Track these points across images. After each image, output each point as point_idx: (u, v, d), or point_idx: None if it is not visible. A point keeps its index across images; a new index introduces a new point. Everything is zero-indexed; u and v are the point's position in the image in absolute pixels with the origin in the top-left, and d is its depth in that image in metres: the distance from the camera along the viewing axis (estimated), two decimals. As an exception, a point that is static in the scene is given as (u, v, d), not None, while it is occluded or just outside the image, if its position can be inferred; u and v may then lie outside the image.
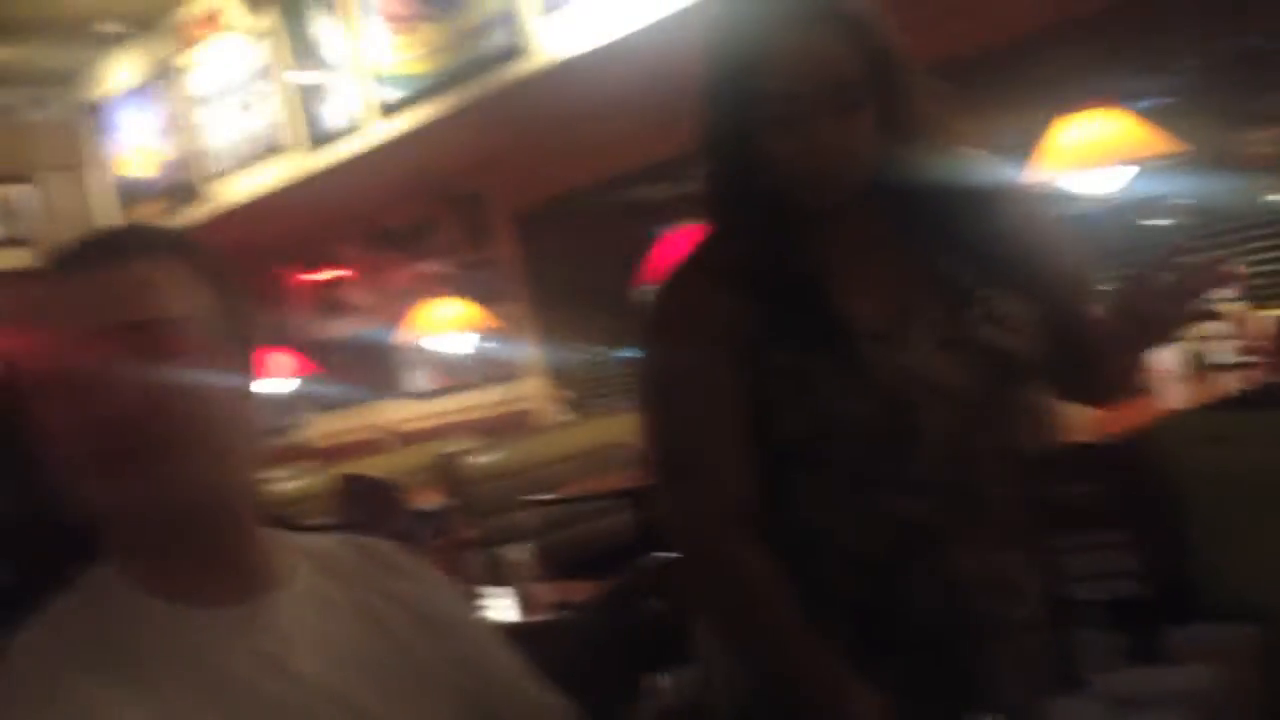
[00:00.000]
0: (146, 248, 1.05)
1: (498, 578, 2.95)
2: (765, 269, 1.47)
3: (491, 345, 6.38)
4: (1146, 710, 0.82)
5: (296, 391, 6.89)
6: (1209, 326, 4.06)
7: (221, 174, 6.58)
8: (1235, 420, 0.94)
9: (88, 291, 1.02)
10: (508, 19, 4.75)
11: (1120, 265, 4.42)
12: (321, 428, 7.50)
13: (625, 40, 4.33)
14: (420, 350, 6.11)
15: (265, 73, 6.14)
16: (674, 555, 1.57)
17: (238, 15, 6.19)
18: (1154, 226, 4.54)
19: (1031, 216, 1.56)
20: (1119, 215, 4.35)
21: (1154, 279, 1.42)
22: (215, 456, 1.02)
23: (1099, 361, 1.54)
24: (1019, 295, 1.47)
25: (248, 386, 1.07)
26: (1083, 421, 3.59)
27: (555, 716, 1.21)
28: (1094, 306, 1.49)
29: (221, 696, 1.01)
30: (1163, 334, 1.48)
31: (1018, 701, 1.34)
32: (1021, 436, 1.47)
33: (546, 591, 2.86)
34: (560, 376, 6.54)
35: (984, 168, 1.53)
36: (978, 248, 1.47)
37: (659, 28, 4.26)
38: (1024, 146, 4.02)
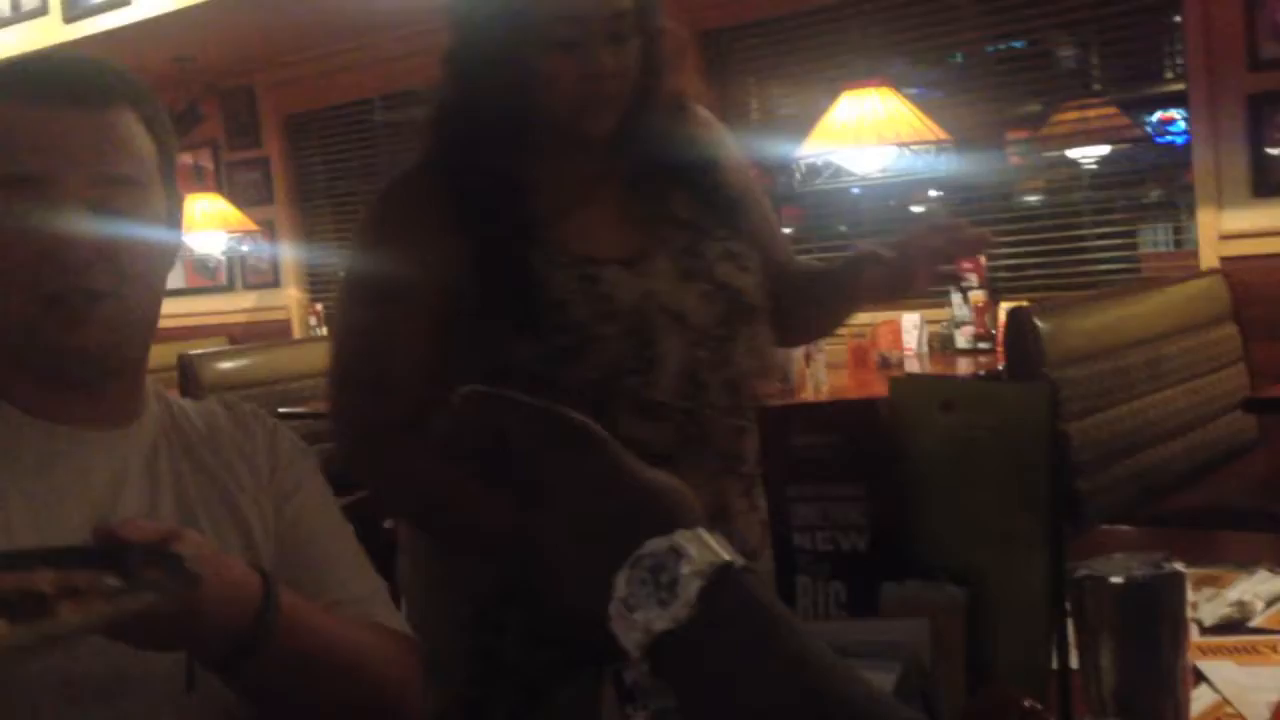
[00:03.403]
0: (111, 93, 1.08)
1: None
2: (500, 186, 1.47)
3: (248, 249, 6.13)
4: (859, 658, 0.85)
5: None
6: (954, 311, 4.29)
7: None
8: (965, 388, 0.98)
9: (74, 132, 1.05)
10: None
11: (878, 239, 4.64)
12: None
13: (420, -49, 4.19)
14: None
15: (24, -72, 5.67)
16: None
17: None
18: (912, 209, 4.74)
19: (748, 178, 1.68)
20: (881, 194, 4.52)
21: (921, 233, 1.50)
22: (150, 303, 1.11)
23: (810, 307, 1.67)
24: (747, 239, 1.56)
25: (175, 235, 1.15)
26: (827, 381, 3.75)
27: (369, 605, 1.16)
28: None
29: (49, 508, 1.05)
30: (908, 285, 1.54)
31: None
32: (748, 373, 1.52)
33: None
34: (317, 289, 6.35)
35: (712, 126, 1.64)
36: (709, 193, 1.55)
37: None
38: (806, 118, 4.12)
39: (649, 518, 0.63)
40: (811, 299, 1.66)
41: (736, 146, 1.67)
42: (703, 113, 1.64)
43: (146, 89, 1.13)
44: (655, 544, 0.61)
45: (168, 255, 1.14)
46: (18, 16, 5.74)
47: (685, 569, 0.60)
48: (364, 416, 1.49)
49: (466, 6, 1.49)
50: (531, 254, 1.44)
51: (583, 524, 0.65)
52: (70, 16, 5.48)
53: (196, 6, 4.95)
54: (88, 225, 1.03)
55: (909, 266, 1.49)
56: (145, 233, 1.08)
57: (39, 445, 1.08)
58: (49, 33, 5.50)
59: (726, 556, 0.61)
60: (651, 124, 1.53)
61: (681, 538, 0.61)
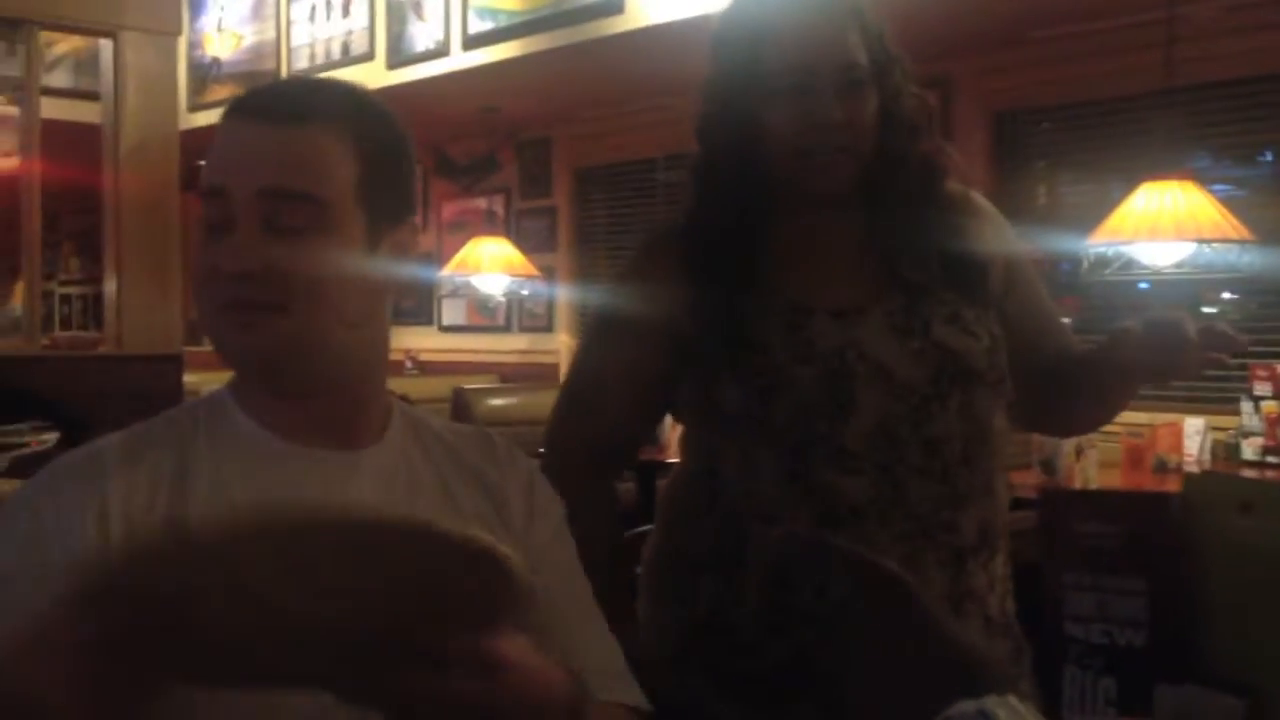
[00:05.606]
0: (313, 111, 1.08)
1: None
2: (730, 240, 1.52)
3: (528, 293, 6.39)
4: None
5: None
6: (1243, 420, 4.05)
7: (296, 71, 6.57)
8: (1268, 491, 0.94)
9: (255, 146, 1.06)
10: (611, -26, 4.74)
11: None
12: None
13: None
14: (457, 283, 6.12)
15: (362, -20, 6.14)
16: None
17: (346, -82, 6.19)
18: (1203, 310, 4.52)
19: (1011, 263, 1.61)
20: (1171, 291, 4.32)
21: (1176, 324, 1.42)
22: (335, 325, 1.07)
23: (1080, 393, 1.60)
24: (983, 309, 1.51)
25: (377, 262, 1.10)
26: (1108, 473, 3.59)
27: (608, 678, 1.15)
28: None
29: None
30: (1167, 373, 1.48)
31: None
32: (954, 436, 1.46)
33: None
34: (588, 336, 6.54)
35: (977, 210, 1.59)
36: (947, 264, 1.51)
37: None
38: (1093, 207, 4.00)
39: (959, 679, 0.64)
40: (1079, 385, 1.60)
41: (1011, 236, 1.62)
42: (968, 196, 1.60)
43: (374, 113, 1.12)
44: (964, 706, 0.61)
45: (367, 281, 1.10)
46: (346, 60, 6.20)
47: None
48: (573, 438, 1.62)
49: (712, 67, 1.56)
50: (746, 302, 1.49)
51: (892, 678, 0.66)
52: (393, 63, 5.89)
53: (507, 61, 5.23)
54: (253, 239, 1.03)
55: (1170, 349, 1.42)
56: (321, 252, 1.05)
57: (272, 465, 1.09)
58: (372, 76, 5.92)
59: None
60: (894, 189, 1.52)
61: (991, 703, 0.61)
